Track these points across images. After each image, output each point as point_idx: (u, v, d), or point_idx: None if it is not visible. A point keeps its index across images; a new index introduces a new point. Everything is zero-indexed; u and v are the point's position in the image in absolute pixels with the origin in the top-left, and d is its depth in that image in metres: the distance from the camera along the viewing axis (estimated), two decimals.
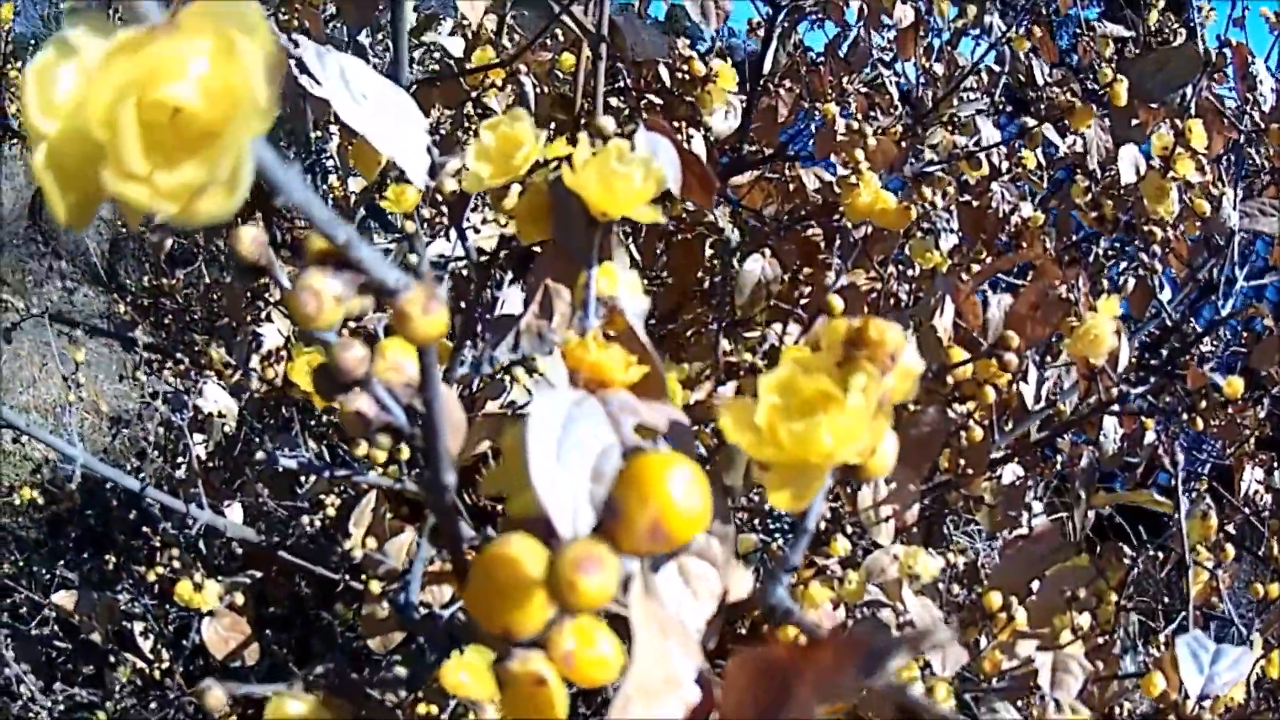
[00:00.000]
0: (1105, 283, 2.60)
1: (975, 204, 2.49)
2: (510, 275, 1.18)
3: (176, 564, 2.18)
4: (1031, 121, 2.26)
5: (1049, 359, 2.11)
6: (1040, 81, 3.07)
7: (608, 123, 0.83)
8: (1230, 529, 2.42)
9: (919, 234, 2.07)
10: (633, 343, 0.67)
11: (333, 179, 2.55)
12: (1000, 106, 3.17)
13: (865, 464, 0.55)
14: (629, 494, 0.46)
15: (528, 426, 0.52)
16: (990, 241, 2.48)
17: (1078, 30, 3.31)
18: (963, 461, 1.82)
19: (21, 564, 4.12)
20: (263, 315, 2.26)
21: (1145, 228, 2.22)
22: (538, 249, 0.86)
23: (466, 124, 2.08)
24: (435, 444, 0.54)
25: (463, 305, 1.28)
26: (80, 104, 0.36)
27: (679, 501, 0.45)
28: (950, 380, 1.63)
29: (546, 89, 2.18)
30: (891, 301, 2.26)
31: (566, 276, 0.81)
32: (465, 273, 1.63)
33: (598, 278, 0.68)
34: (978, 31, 3.13)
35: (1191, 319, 2.78)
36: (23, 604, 3.56)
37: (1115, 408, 1.94)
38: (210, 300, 3.28)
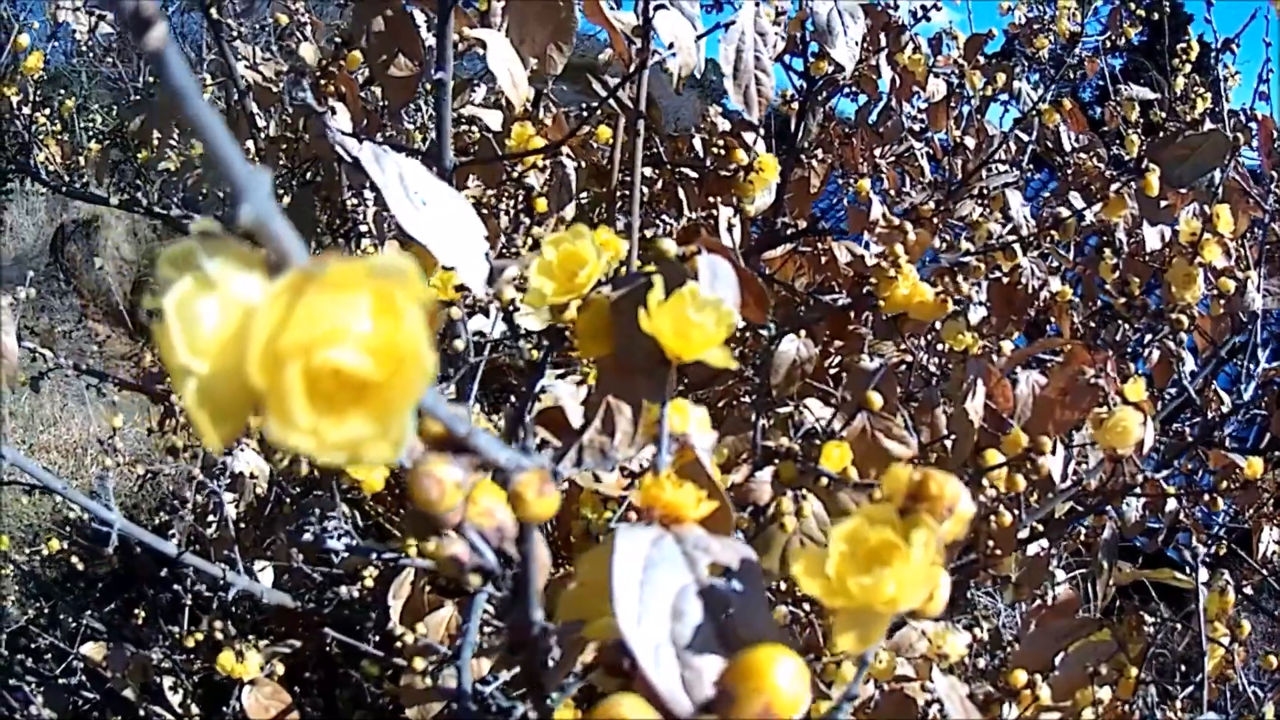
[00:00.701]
0: (1130, 352, 2.62)
1: (1005, 279, 2.51)
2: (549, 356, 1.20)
3: (218, 634, 2.20)
4: (1065, 212, 2.27)
5: (1074, 433, 2.13)
6: (1067, 148, 3.08)
7: (669, 245, 0.85)
8: (1248, 589, 2.45)
9: (950, 314, 2.08)
10: (701, 476, 0.70)
11: (366, 243, 2.57)
12: (1028, 172, 3.19)
13: (923, 606, 0.58)
14: (743, 684, 0.50)
15: (612, 568, 0.56)
16: (1019, 316, 2.50)
17: (1101, 83, 3.33)
18: (991, 543, 1.84)
19: (47, 610, 4.13)
20: None
21: (1173, 316, 2.24)
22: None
23: (507, 201, 2.10)
24: (527, 587, 0.57)
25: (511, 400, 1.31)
26: (232, 345, 0.38)
27: (786, 690, 0.49)
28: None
29: (582, 162, 2.20)
30: (921, 374, 2.27)
31: (627, 393, 0.83)
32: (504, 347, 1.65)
33: (670, 415, 0.71)
34: (1006, 97, 3.15)
35: (1213, 382, 2.79)
36: (47, 649, 3.57)
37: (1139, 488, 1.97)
38: None
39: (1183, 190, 2.36)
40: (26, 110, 2.59)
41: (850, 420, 1.66)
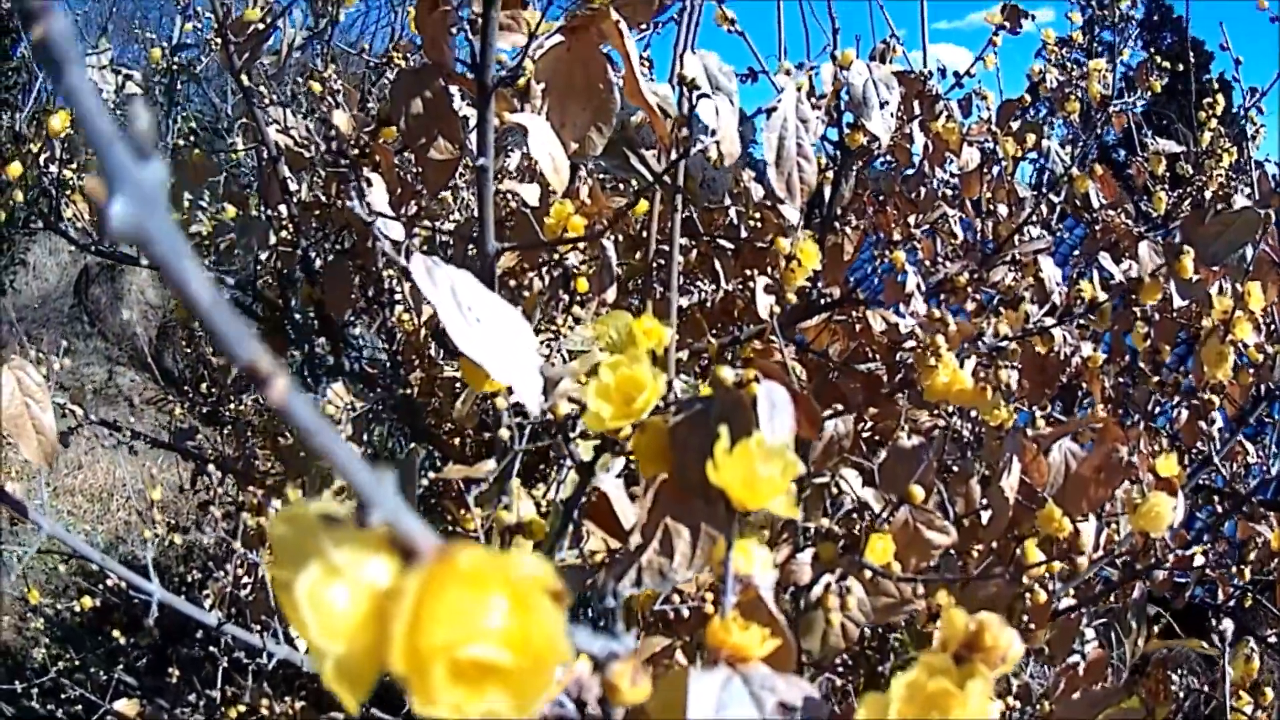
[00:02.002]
0: (1159, 409, 2.62)
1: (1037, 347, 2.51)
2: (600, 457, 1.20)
3: (262, 710, 2.19)
4: (1103, 296, 2.28)
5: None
6: (1095, 205, 3.08)
7: (728, 374, 0.86)
8: (1272, 638, 2.45)
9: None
10: (763, 613, 0.71)
11: (400, 310, 2.58)
12: (1059, 231, 3.19)
13: None
14: None
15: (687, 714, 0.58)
16: (1052, 384, 2.50)
17: (1125, 129, 3.33)
18: (1026, 618, 1.84)
19: (77, 661, 4.14)
20: None
21: (1205, 396, 2.25)
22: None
23: (548, 281, 2.10)
24: None
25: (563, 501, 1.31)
26: (365, 627, 0.39)
27: None
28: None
29: (619, 236, 2.21)
30: (955, 440, 2.28)
31: (685, 516, 0.84)
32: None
33: (735, 556, 0.72)
34: (1036, 156, 3.16)
35: (1241, 438, 2.78)
36: (77, 700, 3.57)
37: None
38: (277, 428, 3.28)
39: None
40: (54, 169, 2.59)
41: (892, 513, 1.66)
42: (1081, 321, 2.44)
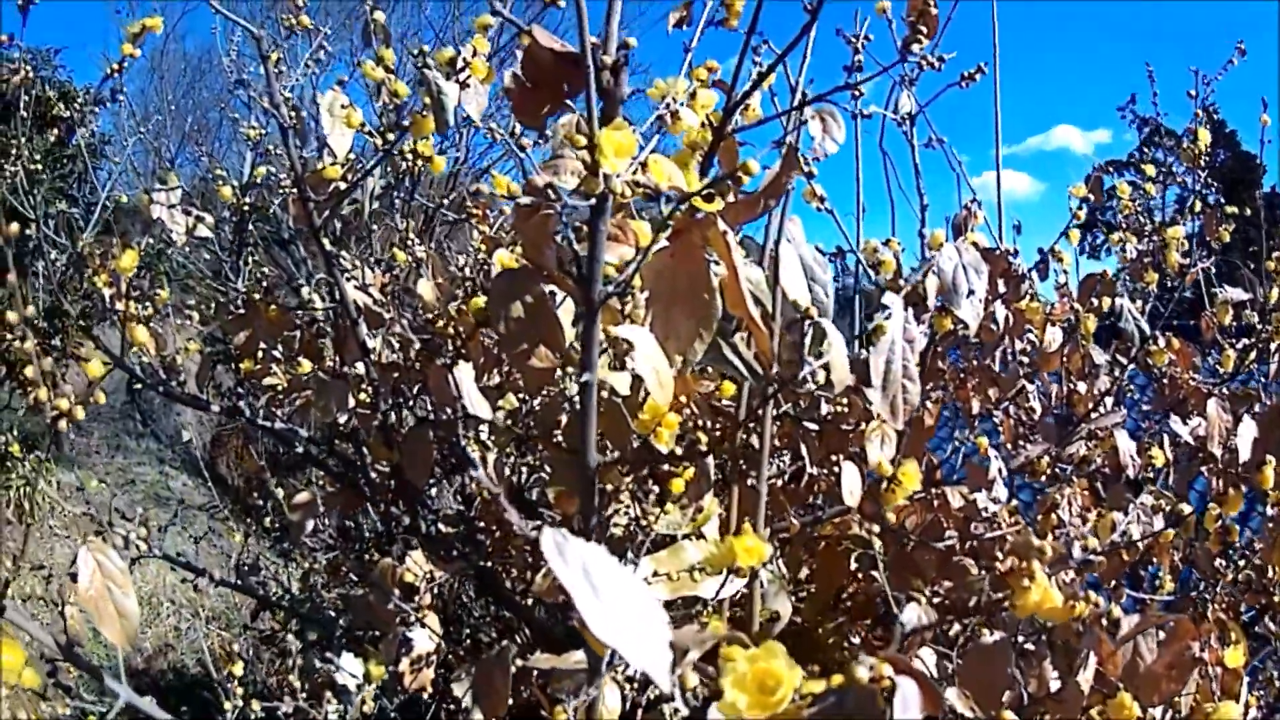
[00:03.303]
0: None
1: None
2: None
3: None
4: (1187, 509, 2.27)
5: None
6: (1164, 362, 3.06)
7: (861, 671, 0.85)
8: None
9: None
10: None
11: (481, 479, 2.55)
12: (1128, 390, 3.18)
13: None
14: None
15: None
16: (1124, 565, 2.49)
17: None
18: None
19: None
20: (413, 619, 2.25)
21: (1275, 598, 2.24)
22: None
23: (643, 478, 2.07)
24: None
25: None
26: None
27: None
28: None
29: (708, 421, 2.18)
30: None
31: None
32: None
33: None
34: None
35: None
36: None
37: None
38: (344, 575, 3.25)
39: None
40: (120, 305, 2.58)
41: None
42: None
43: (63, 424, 1.57)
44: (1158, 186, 3.23)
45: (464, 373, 2.12)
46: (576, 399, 1.74)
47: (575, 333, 1.67)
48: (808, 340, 1.86)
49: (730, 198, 1.41)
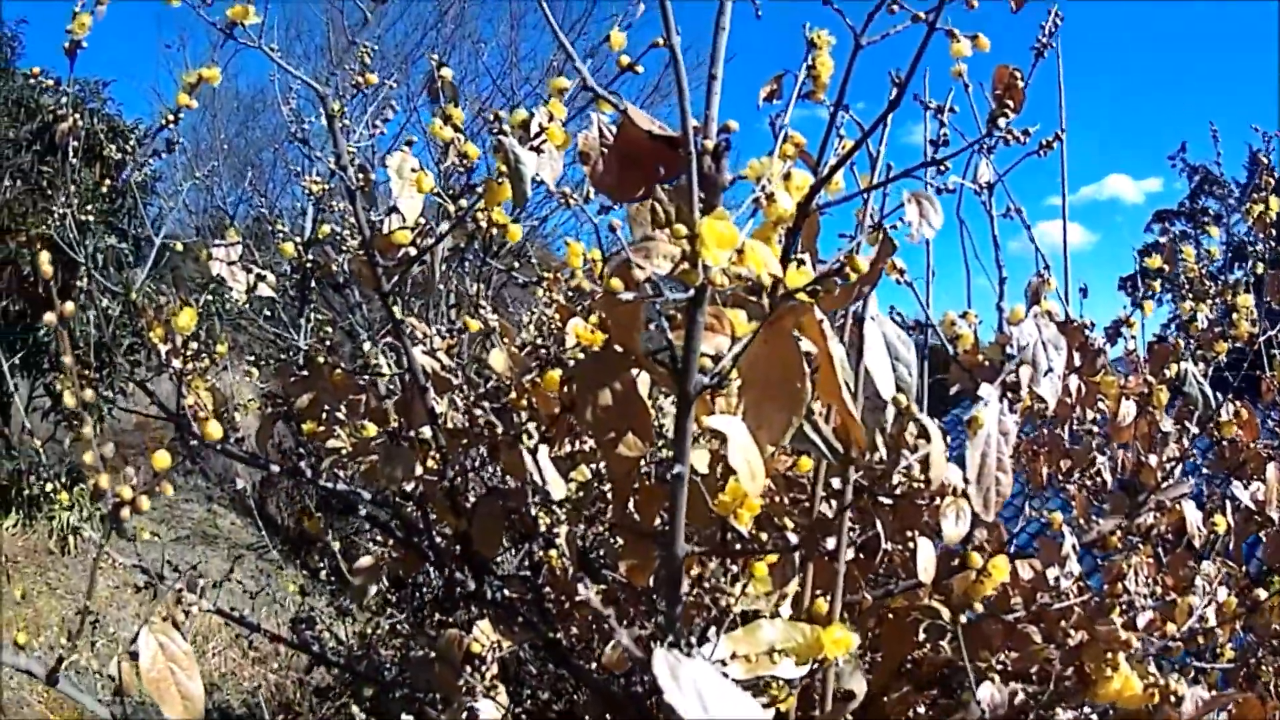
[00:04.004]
0: None
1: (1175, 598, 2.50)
2: None
3: None
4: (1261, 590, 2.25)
5: None
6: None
7: None
8: None
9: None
10: None
11: (553, 554, 2.53)
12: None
13: None
14: None
15: None
16: (1184, 620, 2.47)
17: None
18: None
19: None
20: (479, 690, 2.22)
21: None
22: None
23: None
24: None
25: None
26: None
27: None
28: None
29: (783, 497, 2.16)
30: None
31: None
32: None
33: None
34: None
35: None
36: None
37: None
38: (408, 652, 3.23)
39: None
40: (176, 362, 2.55)
41: None
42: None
43: (125, 514, 1.55)
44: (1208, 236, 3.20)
45: (541, 451, 2.10)
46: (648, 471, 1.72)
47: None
48: (889, 423, 1.84)
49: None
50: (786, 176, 1.49)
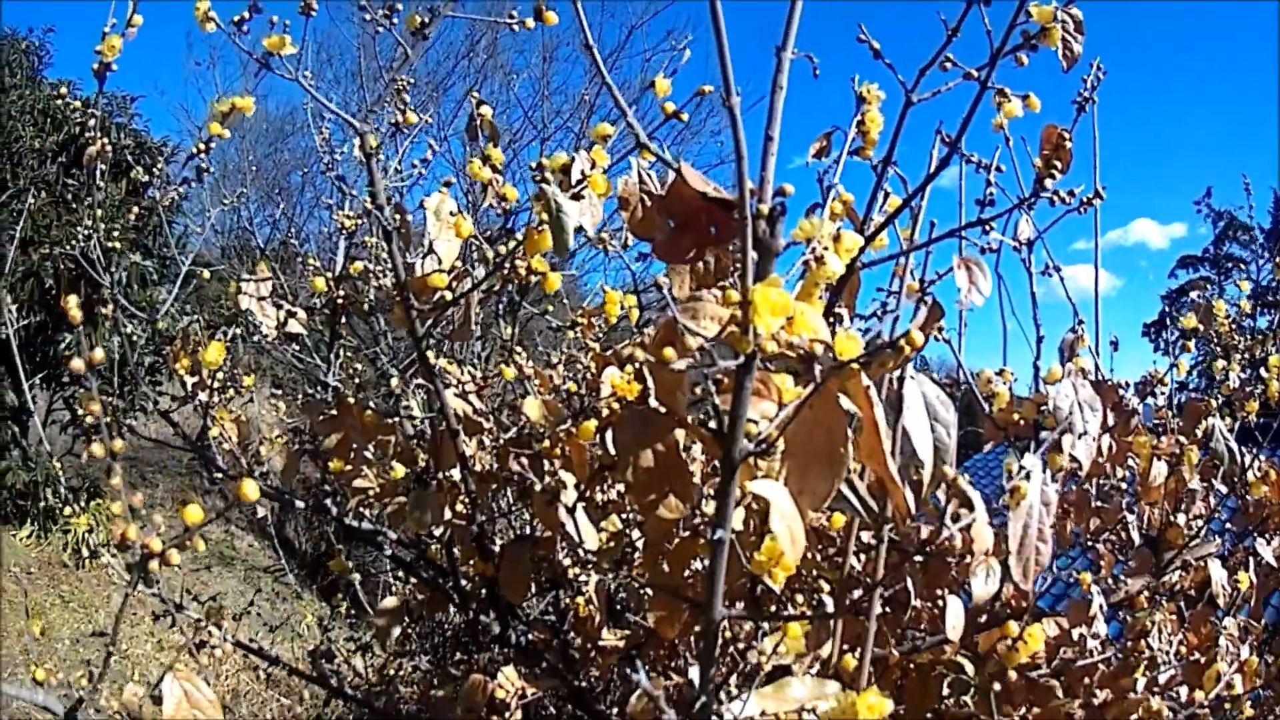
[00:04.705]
0: None
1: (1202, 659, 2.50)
2: None
3: None
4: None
5: None
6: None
7: None
8: None
9: None
10: None
11: (581, 600, 2.51)
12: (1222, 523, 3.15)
13: None
14: None
15: None
16: (1212, 686, 2.47)
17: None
18: None
19: None
20: None
21: None
22: None
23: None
24: None
25: None
26: None
27: None
28: None
29: (814, 553, 2.15)
30: None
31: None
32: None
33: None
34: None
35: None
36: None
37: None
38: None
39: None
40: (203, 395, 2.54)
41: None
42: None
43: (154, 565, 1.53)
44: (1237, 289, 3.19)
45: (570, 495, 2.09)
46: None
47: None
48: (926, 481, 1.82)
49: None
50: (836, 238, 1.47)
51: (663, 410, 1.56)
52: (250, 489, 1.49)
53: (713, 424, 1.40)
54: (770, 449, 1.40)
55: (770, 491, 1.44)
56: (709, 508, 1.81)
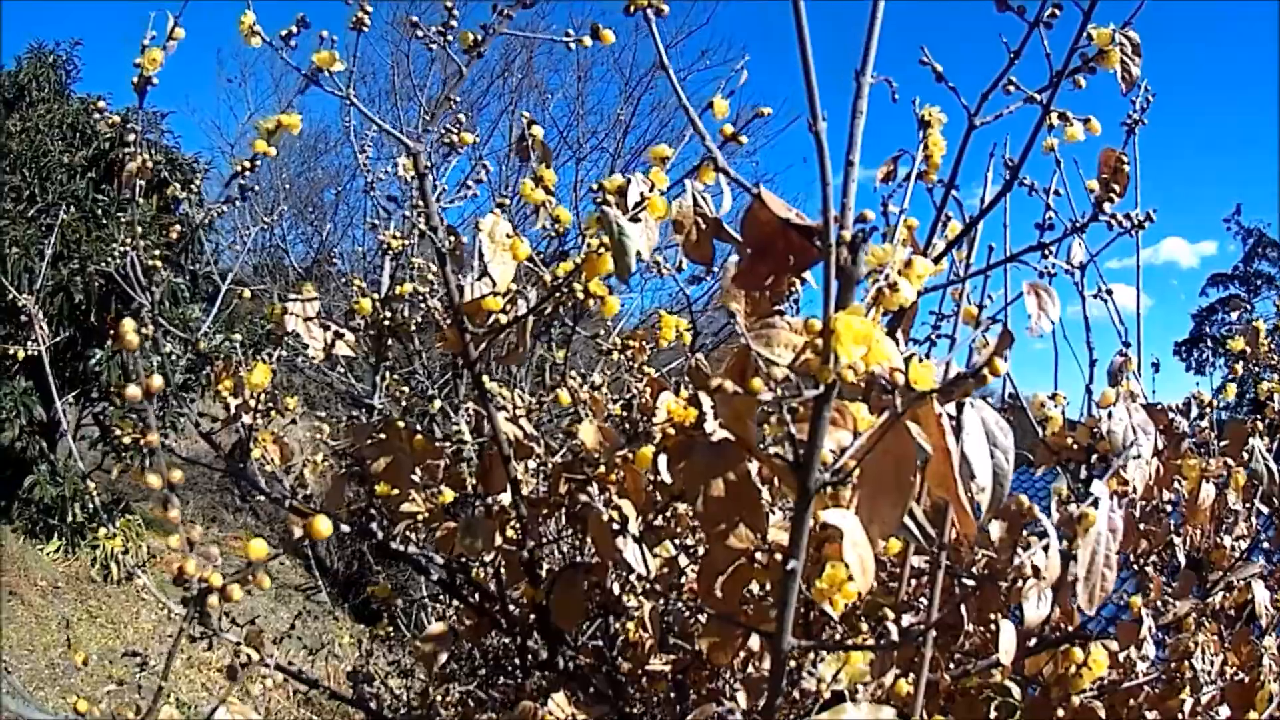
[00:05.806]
0: None
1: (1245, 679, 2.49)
2: None
3: None
4: None
5: None
6: None
7: None
8: None
9: None
10: None
11: (631, 627, 2.50)
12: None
13: None
14: None
15: None
16: (1265, 708, 2.48)
17: None
18: None
19: None
20: None
21: None
22: None
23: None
24: None
25: None
26: None
27: None
28: None
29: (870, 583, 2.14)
30: None
31: None
32: None
33: None
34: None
35: None
36: None
37: None
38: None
39: None
40: (246, 418, 2.53)
41: None
42: None
43: (213, 600, 1.53)
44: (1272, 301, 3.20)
45: (632, 538, 2.08)
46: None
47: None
48: (985, 506, 1.82)
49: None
50: (908, 264, 1.47)
51: (732, 440, 1.55)
52: (324, 526, 1.49)
53: (787, 453, 1.39)
54: (846, 479, 1.40)
55: (842, 520, 1.43)
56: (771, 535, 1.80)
